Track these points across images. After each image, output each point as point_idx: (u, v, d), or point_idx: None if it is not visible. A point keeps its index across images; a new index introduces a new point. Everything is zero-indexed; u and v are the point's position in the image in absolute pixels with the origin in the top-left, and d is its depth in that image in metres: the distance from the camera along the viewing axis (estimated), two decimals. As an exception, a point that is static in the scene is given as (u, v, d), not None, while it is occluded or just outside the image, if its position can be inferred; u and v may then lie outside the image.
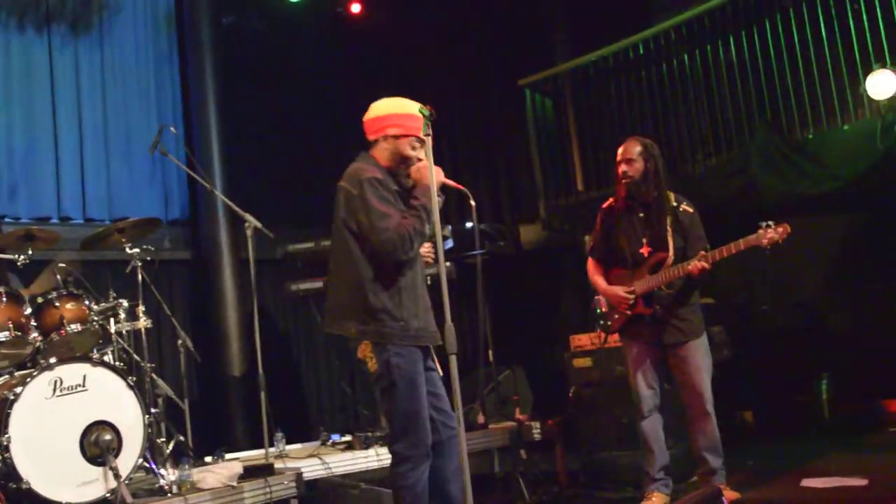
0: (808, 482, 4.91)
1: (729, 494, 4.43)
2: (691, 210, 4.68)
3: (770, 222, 4.33)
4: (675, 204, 4.68)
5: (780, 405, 7.06)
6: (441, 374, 3.64)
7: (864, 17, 6.43)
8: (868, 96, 6.28)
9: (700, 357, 4.60)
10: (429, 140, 3.44)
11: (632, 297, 4.64)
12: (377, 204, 3.46)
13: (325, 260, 5.81)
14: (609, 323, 4.81)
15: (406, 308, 3.50)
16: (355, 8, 8.31)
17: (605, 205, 4.90)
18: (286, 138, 7.80)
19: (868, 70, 6.28)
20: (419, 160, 3.61)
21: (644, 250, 4.67)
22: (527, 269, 8.52)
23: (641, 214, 4.69)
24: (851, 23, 6.50)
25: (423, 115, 3.42)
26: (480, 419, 5.82)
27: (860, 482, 4.75)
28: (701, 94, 7.44)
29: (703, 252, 4.47)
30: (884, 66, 6.21)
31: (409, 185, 3.64)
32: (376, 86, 8.16)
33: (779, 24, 6.91)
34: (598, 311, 4.89)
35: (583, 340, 5.90)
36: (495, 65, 8.88)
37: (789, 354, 7.16)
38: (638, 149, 4.66)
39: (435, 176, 3.40)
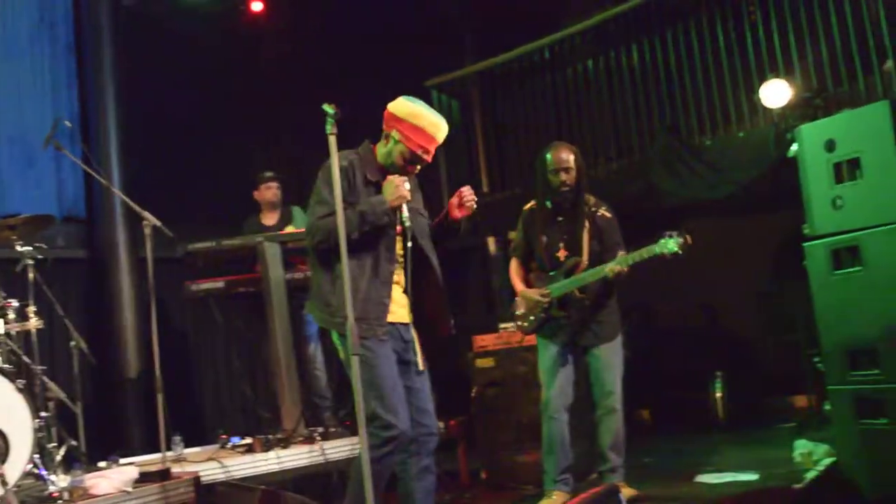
0: (702, 478, 5.06)
1: (627, 491, 4.52)
2: (609, 215, 4.76)
3: (672, 232, 4.42)
4: (593, 209, 4.75)
5: (676, 404, 7.25)
6: (422, 368, 3.67)
7: (760, 29, 6.66)
8: (762, 105, 6.51)
9: (615, 357, 4.70)
10: (333, 139, 3.41)
11: (546, 300, 4.69)
12: (324, 188, 3.53)
13: (226, 259, 5.78)
14: (526, 324, 4.86)
15: (339, 297, 3.42)
16: (256, 6, 8.16)
17: (527, 206, 4.95)
18: (189, 134, 7.63)
19: (763, 80, 6.51)
20: (404, 171, 3.64)
21: (560, 254, 4.73)
22: (432, 269, 8.53)
23: (561, 219, 4.76)
24: (748, 34, 6.73)
25: (328, 113, 3.39)
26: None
27: (751, 476, 4.91)
28: (605, 99, 7.59)
29: (622, 252, 4.56)
30: (777, 76, 6.44)
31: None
32: (279, 83, 8.13)
33: (680, 34, 7.10)
34: (516, 311, 4.92)
35: (486, 341, 5.94)
36: (402, 65, 8.87)
37: (685, 354, 7.37)
38: (573, 157, 4.71)
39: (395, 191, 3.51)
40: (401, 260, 3.66)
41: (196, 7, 7.82)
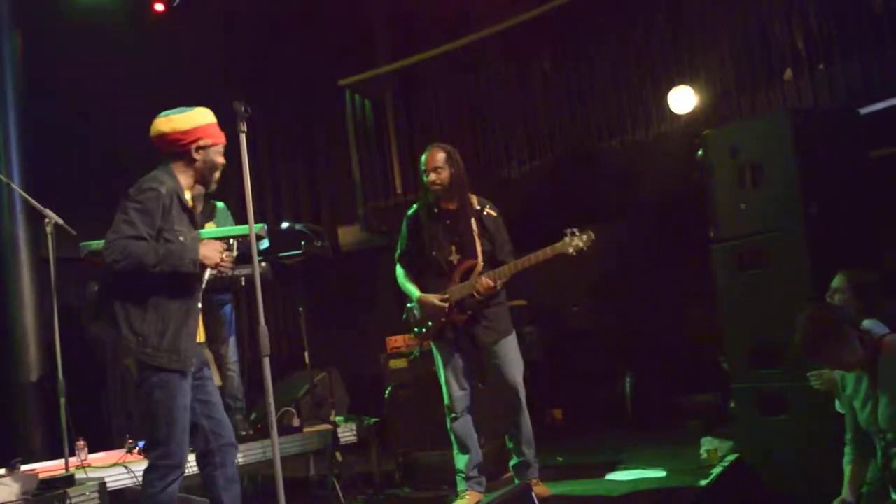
0: (612, 475, 5.15)
1: (540, 490, 4.57)
2: (495, 213, 4.78)
3: (575, 230, 4.49)
4: (478, 207, 4.77)
5: (587, 403, 7.37)
6: (218, 382, 3.88)
7: (669, 36, 6.83)
8: (671, 110, 6.66)
9: (513, 352, 4.74)
10: (243, 137, 3.37)
11: (446, 304, 4.70)
12: (132, 211, 3.48)
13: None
14: (425, 329, 4.85)
15: (151, 327, 3.53)
16: (158, 7, 7.97)
17: (410, 212, 4.93)
18: (93, 129, 7.40)
19: (671, 86, 6.66)
20: (217, 180, 3.74)
21: (453, 258, 4.73)
22: (345, 270, 8.50)
23: (448, 221, 4.75)
24: (658, 40, 6.90)
25: (237, 111, 3.35)
26: (296, 422, 5.74)
27: (660, 473, 5.03)
28: (516, 101, 7.66)
29: (509, 258, 4.61)
30: (685, 82, 6.60)
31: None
32: (189, 81, 7.96)
33: (592, 38, 7.23)
34: (413, 317, 4.89)
35: (398, 342, 5.93)
36: (316, 65, 8.81)
37: (596, 354, 7.50)
38: (442, 155, 4.71)
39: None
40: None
41: (98, 6, 7.58)
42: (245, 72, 8.09)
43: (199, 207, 5.06)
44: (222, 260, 3.65)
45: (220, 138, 3.69)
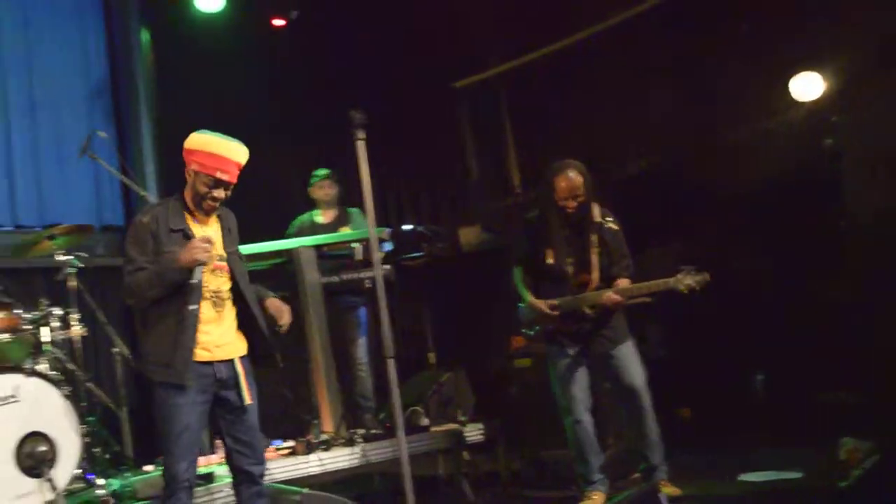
0: (745, 476, 5.02)
1: (669, 490, 4.50)
2: (616, 227, 4.73)
3: (691, 268, 4.38)
4: (599, 220, 4.72)
5: (717, 401, 7.18)
6: (249, 400, 3.73)
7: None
8: (796, 98, 6.44)
9: (631, 357, 4.68)
10: (361, 144, 3.44)
11: (555, 313, 4.67)
12: (129, 247, 3.67)
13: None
14: (533, 332, 4.84)
15: (150, 343, 3.66)
16: (278, 22, 8.23)
17: (529, 215, 4.92)
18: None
19: (794, 72, 6.44)
20: (211, 200, 3.70)
21: (570, 269, 4.70)
22: (466, 270, 8.55)
23: (567, 232, 4.72)
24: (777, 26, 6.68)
25: (354, 119, 3.43)
26: (423, 422, 5.82)
27: (795, 475, 4.87)
28: (632, 95, 7.53)
29: (622, 285, 4.55)
30: (809, 68, 6.37)
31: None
32: (306, 89, 8.13)
33: (710, 25, 7.05)
34: (524, 319, 4.89)
35: (522, 341, 5.93)
36: (429, 68, 8.90)
37: (725, 350, 7.30)
38: (581, 180, 4.64)
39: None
40: (224, 298, 3.75)
41: (221, 21, 7.89)
42: (362, 78, 8.24)
43: (330, 215, 5.27)
44: (199, 247, 3.57)
45: (213, 171, 3.66)
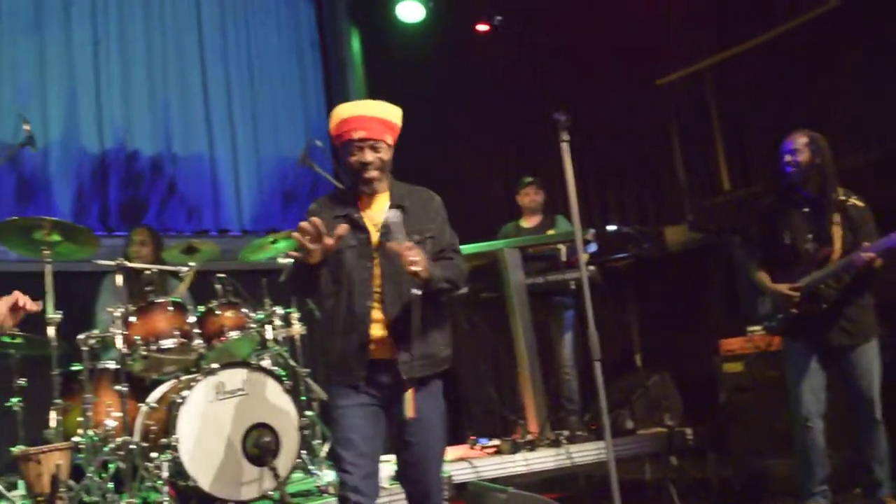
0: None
1: (895, 508, 4.22)
2: (862, 204, 4.48)
3: None
4: (843, 198, 4.49)
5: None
6: (413, 415, 3.19)
7: None
8: None
9: (870, 361, 4.39)
10: (565, 146, 3.44)
11: (797, 294, 4.46)
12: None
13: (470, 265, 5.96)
14: (774, 323, 4.65)
15: (324, 341, 3.35)
16: (481, 27, 8.37)
17: (764, 202, 4.78)
18: (432, 147, 7.93)
19: None
20: (362, 167, 3.31)
21: (809, 245, 4.49)
22: (673, 271, 8.35)
23: (806, 209, 4.53)
24: None
25: (558, 122, 3.42)
26: (629, 425, 5.75)
27: None
28: (860, 81, 7.05)
29: (866, 243, 4.27)
30: None
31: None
32: (511, 95, 8.21)
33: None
34: (763, 310, 4.71)
35: (733, 344, 5.73)
36: (632, 65, 8.76)
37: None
38: (804, 140, 4.54)
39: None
40: (378, 292, 3.26)
41: (427, 30, 8.13)
42: (564, 79, 8.24)
43: (535, 220, 5.05)
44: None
45: (349, 133, 3.30)
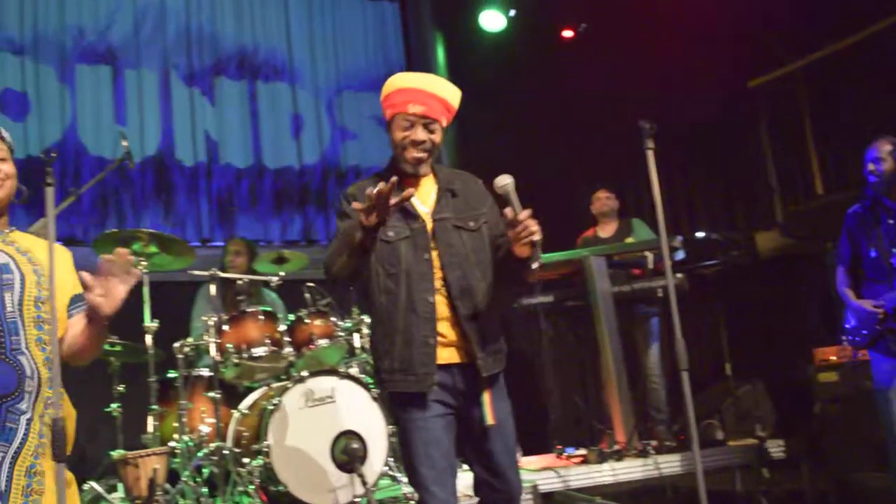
0: None
1: None
2: None
3: None
4: None
5: None
6: (491, 421, 2.93)
7: None
8: None
9: None
10: (650, 154, 3.40)
11: (880, 311, 4.33)
12: (338, 220, 3.11)
13: (554, 273, 5.95)
14: (857, 338, 4.51)
15: (378, 343, 3.02)
16: (567, 34, 8.36)
17: (850, 210, 4.64)
18: (518, 155, 7.95)
19: None
20: (412, 146, 3.00)
21: (894, 259, 4.36)
22: (764, 278, 8.16)
23: (891, 221, 4.38)
24: None
25: (644, 130, 3.37)
26: (719, 435, 5.65)
27: None
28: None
29: None
30: None
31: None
32: (596, 99, 8.18)
33: None
34: (848, 324, 4.58)
35: (828, 353, 5.57)
36: (721, 68, 8.61)
37: None
38: (888, 147, 4.38)
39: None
40: (441, 285, 2.95)
41: (511, 38, 8.17)
42: (650, 83, 8.15)
43: (612, 228, 5.01)
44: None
45: (404, 106, 2.99)
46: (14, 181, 2.63)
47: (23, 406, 2.41)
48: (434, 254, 2.95)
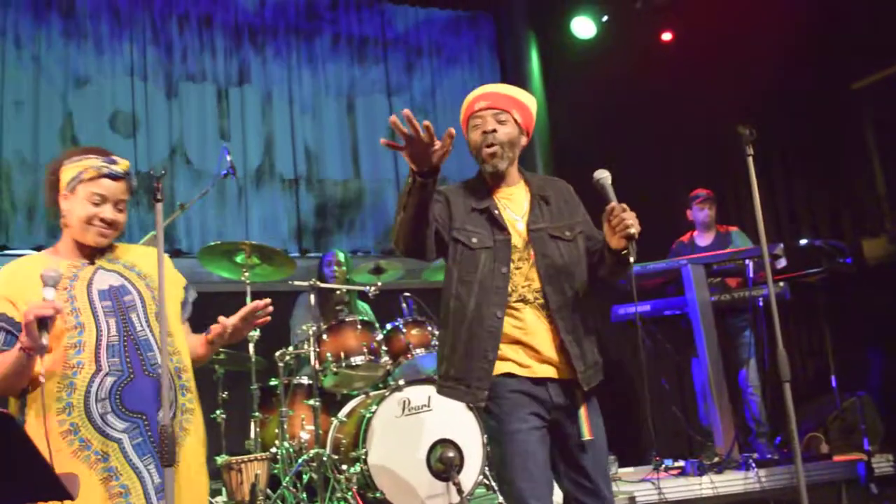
0: None
1: None
2: None
3: None
4: None
5: None
6: (589, 436, 2.84)
7: None
8: None
9: None
10: (750, 160, 3.34)
11: None
12: None
13: (652, 282, 5.88)
14: None
15: (443, 349, 2.95)
16: (666, 36, 8.28)
17: None
18: (613, 164, 7.89)
19: None
20: (487, 147, 2.93)
21: None
22: (871, 286, 7.88)
23: None
24: None
25: (744, 136, 3.32)
26: (824, 448, 5.48)
27: None
28: None
29: None
30: None
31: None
32: (694, 105, 8.07)
33: None
34: None
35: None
36: (824, 70, 8.37)
37: None
38: None
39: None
40: (535, 298, 2.86)
41: (604, 44, 8.13)
42: (754, 86, 7.98)
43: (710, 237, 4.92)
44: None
45: (471, 108, 2.99)
46: (121, 231, 2.75)
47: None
48: (513, 267, 2.87)
